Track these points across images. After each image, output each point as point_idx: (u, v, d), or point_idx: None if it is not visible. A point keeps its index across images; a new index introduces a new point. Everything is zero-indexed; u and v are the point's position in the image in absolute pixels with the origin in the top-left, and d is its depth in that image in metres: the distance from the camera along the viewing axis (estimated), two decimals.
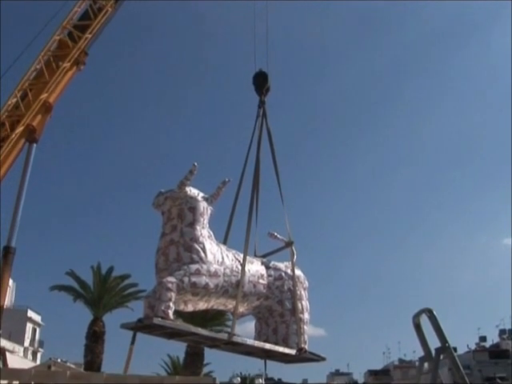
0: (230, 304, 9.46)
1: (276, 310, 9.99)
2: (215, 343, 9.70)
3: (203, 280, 8.72)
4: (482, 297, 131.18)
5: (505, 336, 62.63)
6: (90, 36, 19.19)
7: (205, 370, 37.04)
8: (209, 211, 9.40)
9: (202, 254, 8.86)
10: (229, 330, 9.89)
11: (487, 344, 64.25)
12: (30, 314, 59.42)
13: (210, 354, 32.47)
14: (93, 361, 31.44)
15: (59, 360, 42.12)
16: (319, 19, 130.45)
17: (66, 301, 34.25)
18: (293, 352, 9.81)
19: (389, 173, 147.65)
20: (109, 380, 7.63)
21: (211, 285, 8.83)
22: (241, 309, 9.64)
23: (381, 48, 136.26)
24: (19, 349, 51.71)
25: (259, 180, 10.67)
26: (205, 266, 8.80)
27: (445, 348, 8.93)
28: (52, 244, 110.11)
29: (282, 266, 10.32)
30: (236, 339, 9.19)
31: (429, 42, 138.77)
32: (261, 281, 9.77)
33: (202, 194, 9.40)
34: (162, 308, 8.27)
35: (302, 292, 10.34)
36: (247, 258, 9.53)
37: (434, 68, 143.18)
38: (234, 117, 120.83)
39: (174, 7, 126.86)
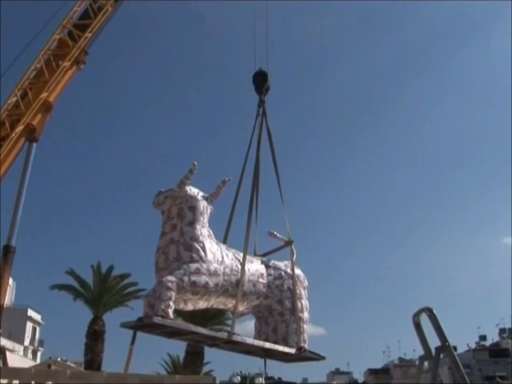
0: (229, 303, 9.47)
1: (276, 309, 10.01)
2: (215, 342, 9.71)
3: (203, 279, 8.73)
4: (482, 296, 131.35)
5: (505, 335, 62.72)
6: (90, 35, 19.20)
7: (205, 368, 37.06)
8: (209, 210, 9.41)
9: (202, 253, 8.87)
10: (229, 328, 9.90)
11: (487, 343, 64.36)
12: (30, 312, 59.39)
13: (210, 353, 32.50)
14: (93, 360, 31.43)
15: (59, 359, 42.10)
16: (319, 19, 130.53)
17: (66, 300, 34.27)
18: (292, 351, 9.82)
19: (389, 173, 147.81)
20: (109, 379, 7.63)
21: (211, 284, 8.84)
22: (240, 308, 9.65)
23: (381, 48, 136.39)
24: (19, 348, 51.73)
25: (259, 179, 10.69)
26: (205, 265, 8.81)
27: (445, 347, 8.94)
28: (52, 243, 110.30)
29: (281, 265, 10.33)
30: (236, 338, 9.21)
31: (429, 42, 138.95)
32: (260, 280, 9.78)
33: (201, 193, 9.41)
34: (162, 307, 8.28)
35: (302, 291, 10.35)
36: (247, 257, 9.54)
37: (433, 68, 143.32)
38: (233, 116, 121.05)
39: (174, 7, 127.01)
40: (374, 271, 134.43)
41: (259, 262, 10.05)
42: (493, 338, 65.65)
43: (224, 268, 9.12)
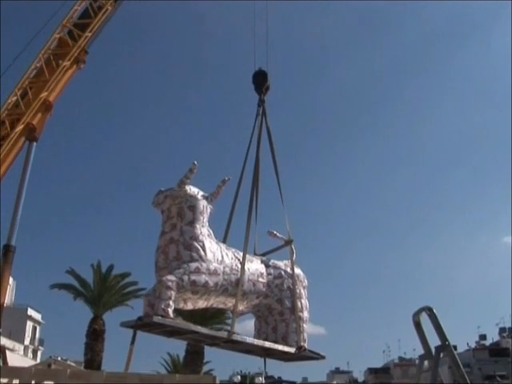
0: (229, 302, 9.47)
1: (275, 308, 10.01)
2: (215, 341, 9.72)
3: (203, 278, 8.73)
4: (482, 295, 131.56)
5: (505, 334, 62.79)
6: (90, 34, 19.20)
7: (205, 368, 37.08)
8: (208, 210, 9.41)
9: (202, 253, 8.87)
10: (229, 328, 9.90)
11: (487, 342, 64.48)
12: (30, 312, 59.43)
13: (210, 353, 32.48)
14: (93, 359, 31.44)
15: (59, 358, 42.18)
16: (319, 19, 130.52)
17: (66, 299, 34.30)
18: (292, 350, 9.83)
19: (389, 173, 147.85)
20: (109, 378, 7.63)
21: (211, 283, 8.84)
22: (240, 307, 9.65)
23: (381, 48, 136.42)
24: (19, 347, 51.77)
25: (259, 179, 10.69)
26: (204, 265, 8.81)
27: (445, 346, 8.96)
28: (52, 242, 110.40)
29: (281, 264, 10.33)
30: (236, 337, 9.21)
31: (429, 41, 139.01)
32: (260, 279, 9.79)
33: (201, 193, 9.41)
34: (162, 306, 8.28)
35: (302, 290, 10.35)
36: (247, 256, 9.54)
37: (433, 68, 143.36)
38: (233, 116, 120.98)
39: (174, 7, 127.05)
40: (374, 270, 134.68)
41: (259, 262, 10.05)
42: (493, 337, 65.87)
43: (224, 267, 9.12)
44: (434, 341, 9.27)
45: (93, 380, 7.63)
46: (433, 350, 9.27)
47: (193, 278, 8.61)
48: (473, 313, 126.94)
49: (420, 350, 9.97)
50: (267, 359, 10.69)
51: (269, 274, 9.98)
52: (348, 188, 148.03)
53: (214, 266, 8.96)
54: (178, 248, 8.81)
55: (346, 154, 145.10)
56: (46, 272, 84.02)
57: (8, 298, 44.26)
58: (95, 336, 32.09)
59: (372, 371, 79.45)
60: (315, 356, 10.29)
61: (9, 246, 17.04)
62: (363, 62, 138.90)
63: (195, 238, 8.93)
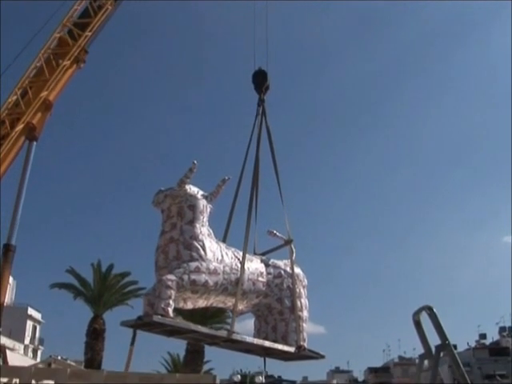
0: (229, 302, 9.48)
1: (275, 307, 10.01)
2: (215, 341, 9.72)
3: (203, 278, 8.74)
4: (482, 294, 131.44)
5: (505, 333, 62.73)
6: (89, 34, 19.22)
7: (205, 367, 37.10)
8: (208, 209, 9.41)
9: (202, 252, 8.88)
10: (229, 327, 9.92)
11: (487, 341, 64.41)
12: (31, 311, 59.41)
13: (210, 352, 32.49)
14: (93, 358, 31.47)
15: (59, 357, 42.20)
16: (319, 19, 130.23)
17: (66, 298, 34.31)
18: (292, 350, 9.83)
19: (389, 173, 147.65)
20: (109, 378, 7.66)
21: (211, 282, 8.85)
22: (240, 306, 9.65)
23: (381, 48, 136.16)
24: (19, 346, 51.73)
25: (259, 178, 10.70)
26: (204, 264, 8.82)
27: (445, 345, 8.97)
28: (52, 242, 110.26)
29: (281, 263, 10.33)
30: (235, 337, 9.21)
31: (428, 41, 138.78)
32: (260, 279, 9.79)
33: (201, 192, 9.41)
34: (162, 306, 8.29)
35: (302, 290, 10.35)
36: (246, 255, 9.54)
37: (433, 68, 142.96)
38: (233, 116, 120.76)
39: (174, 7, 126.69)
40: (374, 269, 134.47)
41: (259, 261, 10.06)
42: (493, 336, 65.77)
43: (224, 267, 9.12)
44: (434, 340, 9.29)
45: (93, 379, 7.66)
46: (433, 349, 9.28)
47: (193, 277, 8.62)
48: (473, 312, 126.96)
49: (420, 349, 9.99)
50: (267, 358, 10.70)
51: (268, 273, 9.99)
52: (348, 188, 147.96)
53: (213, 265, 8.96)
54: (178, 247, 8.82)
55: (346, 154, 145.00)
56: (46, 271, 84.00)
57: (8, 298, 44.25)
58: (95, 335, 32.11)
59: (372, 370, 79.42)
60: (315, 355, 10.29)
61: (9, 245, 17.07)
62: (363, 61, 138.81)
63: (195, 237, 8.93)
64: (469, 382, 9.16)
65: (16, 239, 17.29)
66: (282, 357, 10.54)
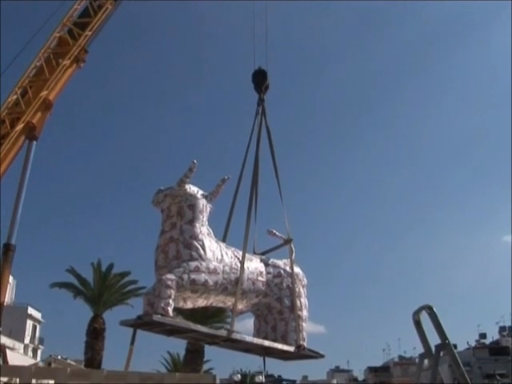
0: (229, 301, 9.48)
1: (275, 307, 10.02)
2: (214, 340, 9.73)
3: (202, 277, 8.74)
4: (482, 294, 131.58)
5: (505, 333, 62.68)
6: (89, 33, 19.21)
7: (205, 366, 37.12)
8: (208, 209, 9.41)
9: (202, 252, 8.88)
10: (228, 327, 9.91)
11: (487, 341, 64.33)
12: (31, 311, 59.38)
13: (210, 351, 32.52)
14: (93, 358, 31.48)
15: (59, 357, 42.19)
16: (319, 19, 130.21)
17: (66, 298, 34.32)
18: (291, 349, 9.84)
19: (389, 172, 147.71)
20: (109, 377, 7.65)
21: (210, 282, 8.85)
22: (240, 306, 9.66)
23: (381, 48, 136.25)
24: (19, 346, 51.70)
25: (258, 178, 10.70)
26: (204, 264, 8.82)
27: (445, 345, 8.97)
28: (52, 241, 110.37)
29: (280, 263, 10.33)
30: (235, 336, 9.21)
31: (428, 41, 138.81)
32: (260, 278, 9.79)
33: (201, 192, 9.41)
34: (162, 305, 8.29)
35: (301, 289, 10.36)
36: (246, 255, 9.54)
37: (433, 67, 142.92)
38: (233, 115, 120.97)
39: (174, 7, 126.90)
40: (374, 269, 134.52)
41: (258, 261, 10.06)
42: (493, 335, 65.71)
43: (223, 266, 9.13)
44: (434, 339, 9.28)
45: (93, 379, 7.65)
46: (433, 349, 9.28)
47: (192, 276, 8.62)
48: (473, 311, 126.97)
49: (420, 349, 9.99)
50: (267, 358, 10.70)
51: (268, 272, 9.99)
52: (348, 188, 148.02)
53: (213, 264, 8.96)
54: (178, 247, 8.82)
55: (346, 154, 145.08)
56: (46, 271, 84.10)
57: (8, 297, 44.25)
58: (95, 335, 32.13)
59: (372, 370, 79.40)
60: (314, 355, 10.30)
61: (9, 244, 17.07)
62: (363, 61, 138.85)
63: (195, 236, 8.93)
64: (469, 381, 9.15)
65: (16, 239, 17.29)
66: (282, 356, 10.54)
